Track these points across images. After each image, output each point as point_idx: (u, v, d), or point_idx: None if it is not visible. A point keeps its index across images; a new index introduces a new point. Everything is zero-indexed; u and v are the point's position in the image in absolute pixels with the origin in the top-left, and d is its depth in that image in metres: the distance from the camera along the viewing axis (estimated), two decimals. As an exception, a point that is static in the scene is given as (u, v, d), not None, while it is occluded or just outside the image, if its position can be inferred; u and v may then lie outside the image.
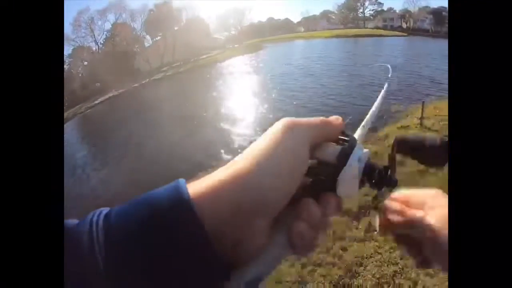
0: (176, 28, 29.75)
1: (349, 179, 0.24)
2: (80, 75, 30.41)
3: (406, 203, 0.32)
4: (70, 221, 0.21)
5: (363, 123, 0.32)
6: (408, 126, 5.93)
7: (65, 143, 13.59)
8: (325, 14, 42.82)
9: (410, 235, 0.31)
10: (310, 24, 42.66)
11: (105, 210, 0.21)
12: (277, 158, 0.22)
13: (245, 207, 0.20)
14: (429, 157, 0.34)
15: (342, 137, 0.26)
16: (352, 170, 0.24)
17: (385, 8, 40.51)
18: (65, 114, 22.23)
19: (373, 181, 0.26)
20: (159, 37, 30.68)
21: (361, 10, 40.98)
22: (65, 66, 30.41)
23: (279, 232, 0.23)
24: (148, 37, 32.57)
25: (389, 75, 0.50)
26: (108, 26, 29.82)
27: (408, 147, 0.35)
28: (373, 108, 0.36)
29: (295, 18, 50.01)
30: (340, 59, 12.49)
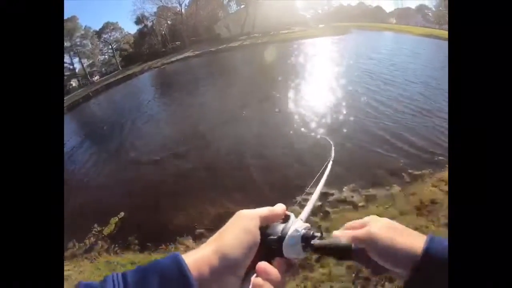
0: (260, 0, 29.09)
1: (291, 245, 0.36)
2: (162, 32, 32.12)
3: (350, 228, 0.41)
4: (90, 282, 0.29)
5: (309, 202, 0.46)
6: None
7: (137, 90, 14.29)
8: (421, 9, 37.94)
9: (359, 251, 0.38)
10: (403, 16, 38.14)
11: (120, 274, 0.30)
12: (239, 238, 0.34)
13: (219, 270, 0.32)
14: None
15: (285, 217, 0.39)
16: (292, 239, 0.36)
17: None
18: (141, 67, 23.63)
19: (311, 244, 0.36)
20: (243, 6, 30.52)
21: (462, 12, 35.20)
22: (148, 23, 32.34)
23: (246, 286, 0.33)
24: (232, 4, 32.77)
25: (332, 153, 0.64)
26: (194, -11, 30.34)
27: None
28: (318, 189, 0.50)
29: (388, 8, 45.32)
30: (436, 61, 10.09)
